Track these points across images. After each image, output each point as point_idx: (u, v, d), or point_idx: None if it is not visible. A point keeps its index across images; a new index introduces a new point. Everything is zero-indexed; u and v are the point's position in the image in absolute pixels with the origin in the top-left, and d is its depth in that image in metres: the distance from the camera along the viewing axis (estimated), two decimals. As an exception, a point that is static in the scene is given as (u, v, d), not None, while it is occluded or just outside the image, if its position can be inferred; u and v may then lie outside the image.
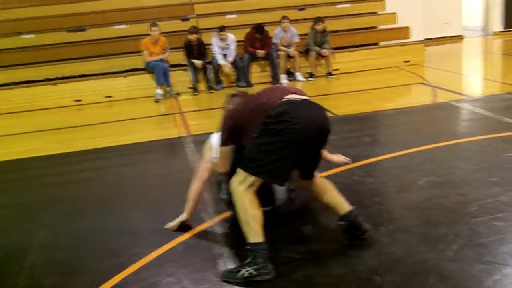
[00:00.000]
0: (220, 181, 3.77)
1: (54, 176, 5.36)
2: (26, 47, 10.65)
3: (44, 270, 3.40)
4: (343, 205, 3.45)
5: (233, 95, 3.92)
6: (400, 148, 5.20)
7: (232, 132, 3.29)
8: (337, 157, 4.12)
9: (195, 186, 3.72)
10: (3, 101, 9.38)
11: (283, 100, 3.11)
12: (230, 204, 3.56)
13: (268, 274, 3.00)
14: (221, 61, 9.69)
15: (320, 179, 3.60)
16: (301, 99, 3.22)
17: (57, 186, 4.97)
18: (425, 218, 3.66)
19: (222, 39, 9.73)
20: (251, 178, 3.07)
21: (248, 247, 3.07)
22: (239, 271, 3.02)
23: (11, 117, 9.02)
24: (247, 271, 3.00)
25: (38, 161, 5.98)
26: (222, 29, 9.71)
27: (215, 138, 3.75)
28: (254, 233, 3.05)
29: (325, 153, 3.89)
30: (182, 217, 3.77)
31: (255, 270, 2.99)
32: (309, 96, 3.36)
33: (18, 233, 3.94)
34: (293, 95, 3.21)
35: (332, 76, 10.01)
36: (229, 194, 3.33)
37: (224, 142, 3.37)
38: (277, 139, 3.00)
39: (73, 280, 3.24)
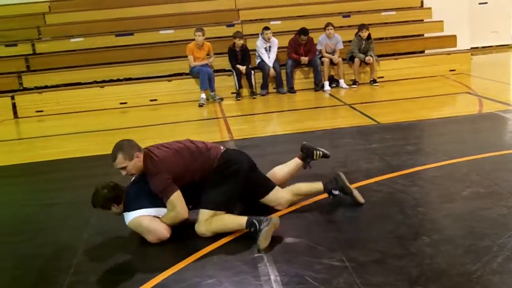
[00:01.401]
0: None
1: (98, 177, 5.46)
2: (75, 50, 10.97)
3: (90, 268, 3.50)
4: (316, 185, 4.17)
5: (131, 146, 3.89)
6: (445, 157, 5.12)
7: (172, 181, 3.73)
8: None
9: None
10: (54, 102, 9.69)
11: (223, 149, 4.01)
12: None
13: (268, 225, 3.55)
14: (268, 62, 9.74)
15: (284, 192, 4.19)
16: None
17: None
18: (470, 229, 3.60)
19: (266, 40, 9.78)
20: (218, 212, 3.76)
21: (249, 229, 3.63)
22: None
23: (60, 118, 9.30)
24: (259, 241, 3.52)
25: (84, 162, 6.15)
26: (266, 28, 9.80)
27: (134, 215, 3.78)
28: (238, 224, 3.70)
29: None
30: None
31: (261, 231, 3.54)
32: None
33: (66, 230, 4.07)
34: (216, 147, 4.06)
35: (376, 84, 9.93)
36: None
37: (171, 190, 3.70)
38: (233, 179, 3.87)
39: (117, 278, 3.32)
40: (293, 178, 4.38)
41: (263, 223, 3.55)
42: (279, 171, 4.39)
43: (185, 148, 3.91)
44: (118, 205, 3.84)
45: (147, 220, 3.72)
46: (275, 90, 9.95)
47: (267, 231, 3.52)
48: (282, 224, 3.87)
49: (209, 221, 3.74)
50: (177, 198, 3.70)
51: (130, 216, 3.75)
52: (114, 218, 3.94)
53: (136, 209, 3.74)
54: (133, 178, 3.96)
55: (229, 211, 3.85)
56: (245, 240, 3.69)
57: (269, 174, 4.31)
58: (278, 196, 4.12)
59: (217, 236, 3.73)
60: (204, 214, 3.76)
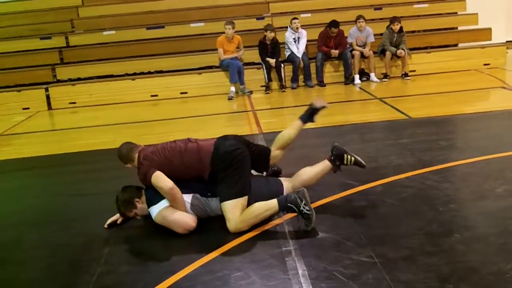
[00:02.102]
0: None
1: (124, 169, 5.50)
2: (107, 43, 11.12)
3: (120, 258, 3.55)
4: (323, 164, 4.19)
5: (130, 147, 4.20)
6: (478, 153, 5.02)
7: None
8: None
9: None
10: (86, 94, 9.86)
11: (213, 147, 3.92)
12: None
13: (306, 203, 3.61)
14: (297, 53, 9.71)
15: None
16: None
17: (131, 177, 5.08)
18: (503, 227, 3.52)
19: (294, 30, 9.74)
20: (241, 200, 3.73)
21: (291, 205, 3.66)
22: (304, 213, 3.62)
23: (92, 110, 9.45)
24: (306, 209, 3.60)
25: (115, 153, 6.20)
26: (295, 18, 9.77)
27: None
28: (272, 210, 3.72)
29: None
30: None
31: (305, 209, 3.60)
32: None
33: (97, 221, 4.12)
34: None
35: (408, 78, 9.80)
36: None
37: (149, 174, 3.79)
38: (240, 165, 3.83)
39: (146, 269, 3.36)
40: (319, 180, 4.24)
41: (299, 203, 3.59)
42: (305, 173, 4.20)
43: (175, 152, 3.94)
44: (140, 199, 3.93)
45: (169, 211, 3.77)
46: (304, 84, 9.91)
47: (310, 209, 3.60)
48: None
49: (240, 217, 3.69)
50: (156, 177, 3.77)
51: (155, 210, 3.80)
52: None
53: (158, 202, 3.80)
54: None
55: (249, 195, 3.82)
56: (273, 233, 3.70)
57: (295, 175, 4.22)
58: (274, 155, 4.38)
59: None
60: (227, 206, 3.73)
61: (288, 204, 3.64)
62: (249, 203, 3.79)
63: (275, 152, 4.41)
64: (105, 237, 3.88)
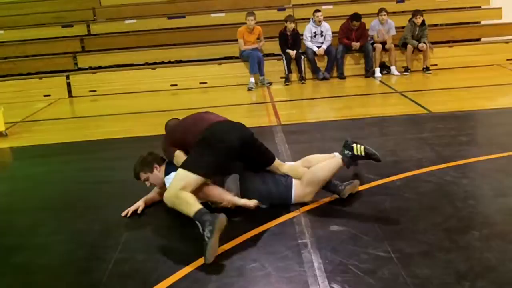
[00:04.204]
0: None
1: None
2: (128, 32, 11.17)
3: (137, 246, 3.58)
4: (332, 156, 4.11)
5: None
6: (499, 150, 4.95)
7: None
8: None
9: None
10: (106, 83, 9.93)
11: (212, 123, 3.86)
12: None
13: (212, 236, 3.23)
14: (313, 47, 9.67)
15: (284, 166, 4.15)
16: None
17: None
18: (523, 225, 3.48)
19: (316, 23, 9.68)
20: (193, 176, 3.60)
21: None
22: (203, 240, 3.24)
23: (112, 98, 9.52)
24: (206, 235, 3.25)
25: (134, 142, 6.27)
26: (317, 10, 9.71)
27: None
28: (189, 210, 3.45)
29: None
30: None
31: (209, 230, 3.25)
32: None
33: (115, 208, 4.16)
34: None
35: (429, 72, 9.68)
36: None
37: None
38: (214, 148, 3.72)
39: (162, 258, 3.38)
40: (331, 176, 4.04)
41: (206, 228, 3.25)
42: (315, 160, 4.17)
43: (191, 122, 4.02)
44: (160, 166, 4.01)
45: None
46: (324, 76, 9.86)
47: (211, 247, 3.21)
48: (328, 212, 3.88)
49: (172, 192, 3.57)
50: (177, 157, 3.91)
51: (170, 178, 3.79)
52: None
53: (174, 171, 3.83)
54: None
55: (207, 177, 3.70)
56: (290, 225, 3.70)
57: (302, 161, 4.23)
58: (277, 168, 4.07)
59: (263, 220, 3.75)
60: (176, 175, 3.65)
61: (201, 218, 3.36)
62: (246, 197, 3.81)
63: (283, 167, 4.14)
64: (122, 225, 3.91)
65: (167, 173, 3.95)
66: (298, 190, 3.95)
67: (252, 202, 3.75)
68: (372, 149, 3.92)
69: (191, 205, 3.46)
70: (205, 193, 3.74)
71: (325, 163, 4.01)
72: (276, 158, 4.09)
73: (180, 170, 3.66)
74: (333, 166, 3.97)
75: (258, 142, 4.02)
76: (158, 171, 4.01)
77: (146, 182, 4.06)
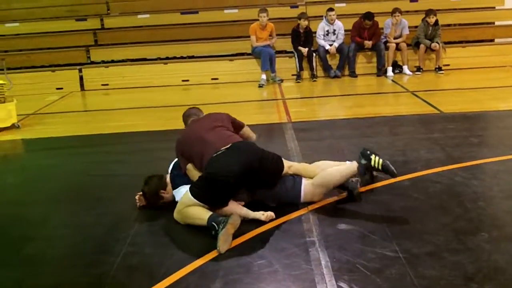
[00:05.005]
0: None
1: (158, 151, 5.55)
2: (141, 27, 11.20)
3: (146, 240, 3.60)
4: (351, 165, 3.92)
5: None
6: (510, 151, 4.92)
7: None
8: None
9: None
10: (119, 77, 9.99)
11: (214, 154, 3.75)
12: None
13: (225, 227, 3.35)
14: (325, 45, 9.65)
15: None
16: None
17: (160, 160, 5.11)
18: (532, 228, 3.46)
19: (329, 21, 9.65)
20: (194, 202, 3.66)
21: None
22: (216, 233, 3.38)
23: (124, 92, 9.57)
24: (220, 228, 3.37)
25: (145, 136, 6.30)
26: (331, 9, 9.67)
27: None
28: (201, 220, 3.56)
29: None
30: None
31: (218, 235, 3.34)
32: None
33: (124, 202, 4.19)
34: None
35: (441, 72, 9.63)
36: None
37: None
38: (216, 187, 3.69)
39: (170, 252, 3.40)
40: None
41: (220, 225, 3.38)
42: (323, 165, 4.10)
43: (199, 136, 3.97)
44: (165, 190, 4.03)
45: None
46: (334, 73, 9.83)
47: (223, 234, 3.33)
48: (336, 210, 3.88)
49: (182, 210, 3.70)
50: (188, 171, 3.95)
51: (180, 193, 3.86)
52: (171, 193, 4.04)
53: (183, 185, 3.89)
54: (173, 163, 4.20)
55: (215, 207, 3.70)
56: (298, 222, 3.70)
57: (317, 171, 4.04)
58: (287, 168, 4.01)
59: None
60: (184, 196, 3.74)
61: (212, 223, 3.47)
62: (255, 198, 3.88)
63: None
64: (131, 218, 3.93)
65: (175, 184, 4.00)
66: (307, 190, 3.93)
67: (264, 216, 3.71)
68: (390, 165, 3.79)
69: (203, 214, 3.57)
70: (217, 211, 3.73)
71: (339, 168, 3.97)
72: (284, 160, 4.04)
73: (187, 194, 3.69)
74: (346, 172, 3.91)
75: (268, 159, 3.86)
76: (167, 193, 4.04)
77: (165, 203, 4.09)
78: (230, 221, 3.40)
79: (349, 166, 3.94)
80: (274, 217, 3.73)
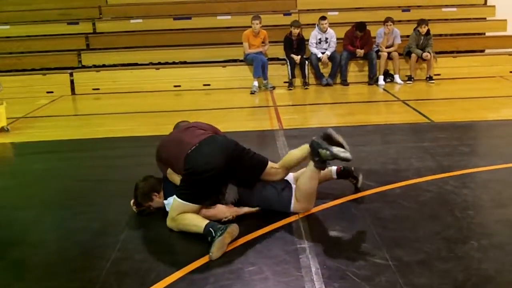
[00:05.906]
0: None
1: (149, 157, 5.50)
2: (133, 31, 11.19)
3: (136, 246, 3.58)
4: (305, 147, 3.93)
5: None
6: (500, 161, 4.96)
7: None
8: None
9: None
10: (110, 81, 9.95)
11: (189, 150, 3.72)
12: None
13: (223, 234, 3.37)
14: (318, 53, 9.68)
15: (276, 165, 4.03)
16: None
17: (152, 166, 5.11)
18: (522, 237, 3.48)
19: (322, 30, 9.70)
20: (186, 205, 3.68)
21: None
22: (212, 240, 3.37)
23: (115, 97, 9.53)
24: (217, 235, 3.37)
25: (136, 141, 6.28)
26: (323, 18, 9.71)
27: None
28: (198, 227, 3.56)
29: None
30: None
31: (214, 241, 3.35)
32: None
33: (114, 207, 4.17)
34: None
35: (432, 81, 9.70)
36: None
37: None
38: (200, 182, 3.71)
39: (161, 258, 3.38)
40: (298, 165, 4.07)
41: (218, 232, 3.38)
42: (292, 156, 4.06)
43: (177, 138, 3.96)
44: (158, 194, 3.99)
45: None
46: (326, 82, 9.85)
47: (220, 241, 3.34)
48: (327, 217, 3.88)
49: (175, 218, 3.69)
50: (169, 174, 3.91)
51: (171, 201, 3.83)
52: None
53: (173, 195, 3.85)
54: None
55: (203, 204, 3.74)
56: (289, 229, 3.70)
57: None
58: (271, 172, 3.97)
59: (261, 224, 3.75)
60: (173, 203, 3.72)
61: (210, 229, 3.47)
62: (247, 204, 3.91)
63: (277, 170, 4.03)
64: (121, 224, 3.91)
65: (165, 194, 3.97)
66: (296, 205, 3.94)
67: (254, 208, 3.85)
68: (341, 153, 3.77)
69: (199, 222, 3.57)
70: (208, 216, 3.72)
71: (304, 176, 3.92)
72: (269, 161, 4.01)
73: (176, 200, 3.69)
74: (312, 175, 3.88)
75: (244, 149, 3.91)
76: (159, 198, 4.01)
77: (150, 208, 4.06)
78: (229, 229, 3.42)
79: (310, 169, 3.87)
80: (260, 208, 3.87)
